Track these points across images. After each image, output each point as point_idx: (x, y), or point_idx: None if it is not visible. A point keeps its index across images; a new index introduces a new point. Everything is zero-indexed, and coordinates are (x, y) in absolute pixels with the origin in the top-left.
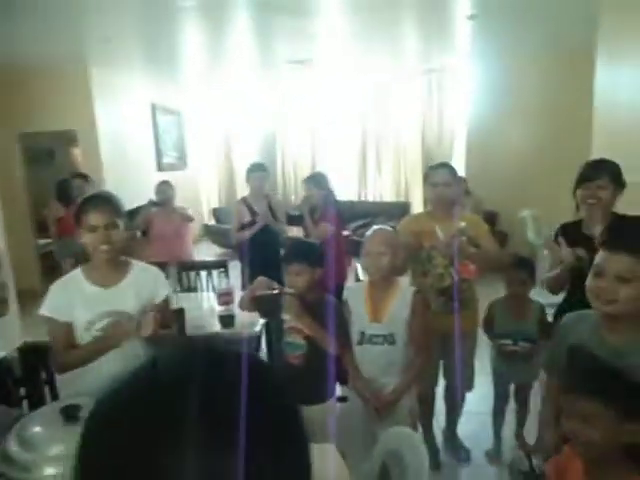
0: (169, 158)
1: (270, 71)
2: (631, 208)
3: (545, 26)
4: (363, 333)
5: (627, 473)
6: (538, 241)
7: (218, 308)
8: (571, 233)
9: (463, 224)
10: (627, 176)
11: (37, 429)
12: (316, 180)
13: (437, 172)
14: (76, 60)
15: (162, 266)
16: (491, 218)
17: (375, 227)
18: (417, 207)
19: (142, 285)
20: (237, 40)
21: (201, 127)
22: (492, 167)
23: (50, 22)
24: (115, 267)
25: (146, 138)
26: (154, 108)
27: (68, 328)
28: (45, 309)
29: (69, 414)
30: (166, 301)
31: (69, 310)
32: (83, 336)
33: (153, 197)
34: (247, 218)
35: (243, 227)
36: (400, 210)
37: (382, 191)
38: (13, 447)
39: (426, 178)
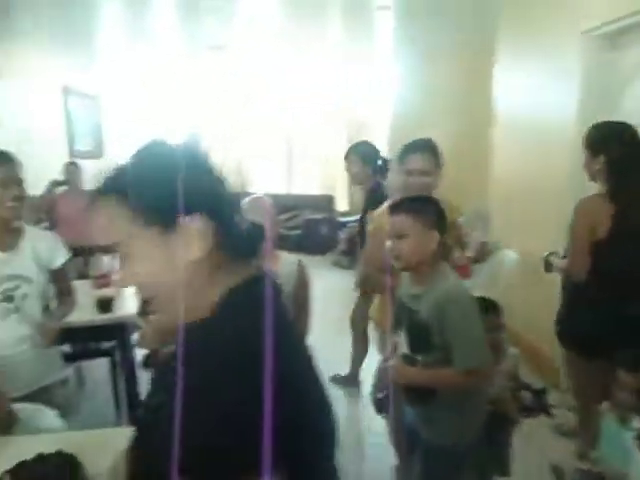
0: (83, 145)
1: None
2: None
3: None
4: None
5: None
6: None
7: (95, 292)
8: None
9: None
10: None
11: None
12: None
13: (415, 157)
14: None
15: None
16: None
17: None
18: (340, 200)
19: (40, 249)
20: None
21: (121, 113)
22: None
23: None
24: (11, 231)
25: (56, 123)
26: (66, 91)
27: None
28: None
29: None
30: (64, 267)
31: None
32: None
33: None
34: None
35: None
36: (325, 203)
37: (309, 184)
38: None
39: (400, 162)
